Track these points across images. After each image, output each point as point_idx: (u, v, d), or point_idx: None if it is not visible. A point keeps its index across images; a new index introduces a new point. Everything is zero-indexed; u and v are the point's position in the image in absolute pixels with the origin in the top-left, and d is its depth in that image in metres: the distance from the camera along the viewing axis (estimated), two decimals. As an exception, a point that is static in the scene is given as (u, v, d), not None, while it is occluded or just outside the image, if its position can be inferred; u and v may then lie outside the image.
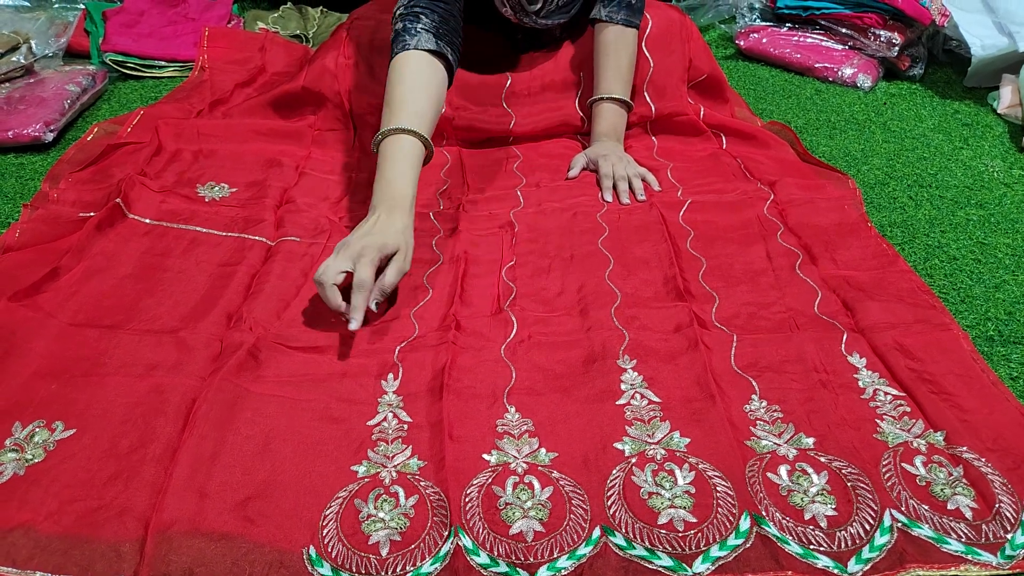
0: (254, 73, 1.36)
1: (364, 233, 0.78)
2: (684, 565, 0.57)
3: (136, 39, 1.47)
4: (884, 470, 0.64)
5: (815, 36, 1.55)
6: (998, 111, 1.33)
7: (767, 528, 0.59)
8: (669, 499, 0.62)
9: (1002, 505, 0.61)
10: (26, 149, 1.16)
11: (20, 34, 1.33)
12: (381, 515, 0.60)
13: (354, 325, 0.76)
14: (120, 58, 1.43)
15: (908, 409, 0.70)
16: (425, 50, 0.90)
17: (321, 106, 1.18)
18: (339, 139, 1.17)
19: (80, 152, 1.11)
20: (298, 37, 1.58)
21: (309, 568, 0.56)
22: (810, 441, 0.67)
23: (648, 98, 1.18)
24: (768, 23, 1.62)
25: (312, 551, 0.58)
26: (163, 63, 1.45)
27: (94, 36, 1.48)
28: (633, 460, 0.65)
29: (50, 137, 1.16)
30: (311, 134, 1.17)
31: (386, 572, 0.56)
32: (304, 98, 1.19)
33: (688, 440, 0.67)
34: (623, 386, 0.73)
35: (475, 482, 0.63)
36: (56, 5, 1.60)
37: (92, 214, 0.94)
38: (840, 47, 1.52)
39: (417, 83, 0.88)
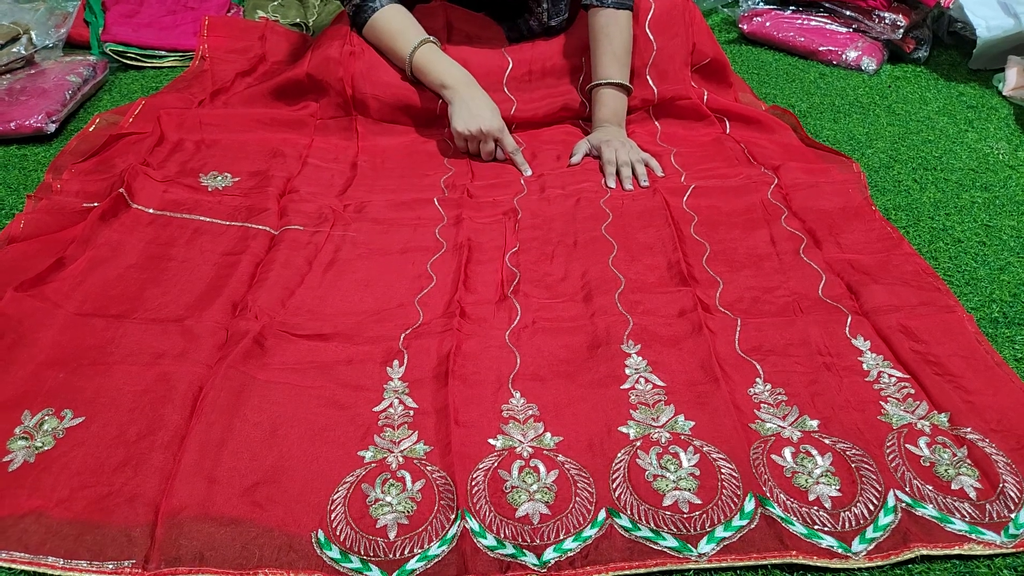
0: (255, 62, 1.36)
1: (483, 103, 1.08)
2: (689, 546, 0.57)
3: (136, 29, 1.46)
4: (888, 451, 0.65)
5: (819, 19, 1.54)
6: (1003, 93, 1.32)
7: (771, 509, 0.60)
8: (674, 481, 0.62)
9: (1006, 485, 0.61)
10: (28, 140, 1.16)
11: (20, 25, 1.33)
12: (388, 499, 0.61)
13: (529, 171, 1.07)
14: (120, 48, 1.42)
15: (912, 391, 0.71)
16: (397, 2, 1.13)
17: (324, 94, 1.18)
18: (341, 127, 1.16)
19: (82, 143, 1.12)
20: (298, 25, 1.57)
21: (318, 551, 0.57)
22: (814, 423, 0.67)
23: (651, 81, 1.17)
24: (771, 6, 1.61)
25: (321, 535, 0.58)
26: (163, 53, 1.45)
27: (94, 26, 1.47)
28: (638, 443, 0.65)
29: (52, 128, 1.16)
30: (313, 123, 1.17)
31: (394, 555, 0.57)
32: (307, 86, 1.19)
33: (693, 423, 0.67)
34: (627, 370, 0.73)
35: (481, 466, 0.64)
36: (55, -5, 1.59)
37: (96, 204, 0.95)
38: (844, 30, 1.51)
39: (410, 18, 1.12)
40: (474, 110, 1.06)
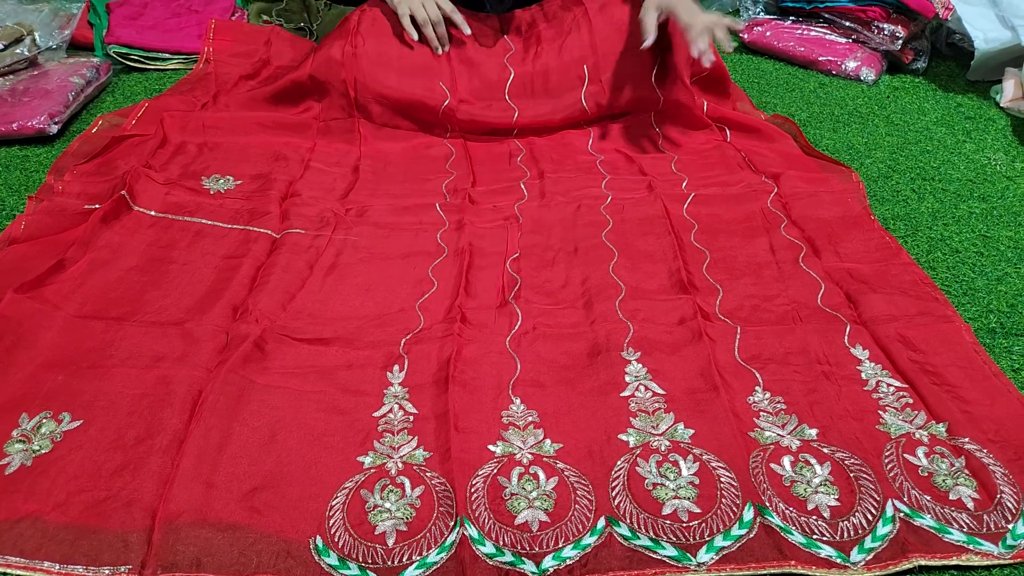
0: (258, 66, 1.36)
1: None
2: (688, 555, 0.57)
3: (140, 31, 1.47)
4: (886, 461, 0.65)
5: (819, 29, 1.55)
6: (1001, 105, 1.33)
7: (770, 518, 0.60)
8: (673, 490, 0.62)
9: (1003, 496, 0.61)
10: (31, 141, 1.16)
11: (24, 26, 1.33)
12: (387, 505, 0.61)
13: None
14: (124, 50, 1.42)
15: (910, 400, 0.71)
16: None
17: (326, 95, 1.18)
18: (343, 129, 1.17)
19: (85, 144, 1.12)
20: (302, 30, 1.57)
21: (316, 558, 0.57)
22: (813, 432, 0.68)
23: (655, 87, 1.18)
24: (772, 16, 1.62)
25: (319, 541, 0.58)
26: (167, 55, 1.45)
27: (98, 28, 1.47)
28: (638, 451, 0.65)
29: (55, 129, 1.16)
30: (316, 125, 1.17)
31: (392, 562, 0.57)
32: (310, 88, 1.19)
33: (692, 431, 0.67)
34: (627, 378, 0.73)
35: (480, 473, 0.64)
36: (59, -3, 1.59)
37: (97, 206, 0.94)
38: (844, 40, 1.52)
39: None
40: None
